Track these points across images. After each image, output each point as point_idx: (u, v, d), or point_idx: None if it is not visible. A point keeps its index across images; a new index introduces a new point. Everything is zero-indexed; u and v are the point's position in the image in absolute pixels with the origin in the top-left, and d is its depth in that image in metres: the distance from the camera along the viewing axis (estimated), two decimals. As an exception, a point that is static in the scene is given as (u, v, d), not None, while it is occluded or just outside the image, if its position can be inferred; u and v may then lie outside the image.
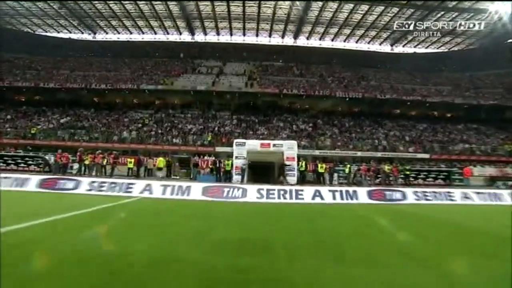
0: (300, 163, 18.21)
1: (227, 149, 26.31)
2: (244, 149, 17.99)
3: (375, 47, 51.02)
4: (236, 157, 17.98)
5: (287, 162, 17.72)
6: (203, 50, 46.66)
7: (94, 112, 34.73)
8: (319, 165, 18.50)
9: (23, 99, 37.43)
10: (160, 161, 19.87)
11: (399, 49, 51.93)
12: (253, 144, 18.18)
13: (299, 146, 27.68)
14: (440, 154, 28.26)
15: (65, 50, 44.34)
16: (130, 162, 19.37)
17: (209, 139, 27.86)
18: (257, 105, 38.62)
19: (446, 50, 50.45)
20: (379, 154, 27.27)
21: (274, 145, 18.03)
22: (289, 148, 17.88)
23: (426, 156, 27.76)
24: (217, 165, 18.90)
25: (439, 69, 46.48)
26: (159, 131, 30.45)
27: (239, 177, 17.49)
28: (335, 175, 21.29)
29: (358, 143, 29.92)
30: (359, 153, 27.12)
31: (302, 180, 17.70)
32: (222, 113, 36.46)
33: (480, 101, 37.99)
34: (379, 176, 19.09)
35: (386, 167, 18.86)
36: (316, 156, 26.78)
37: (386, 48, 51.22)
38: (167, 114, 35.09)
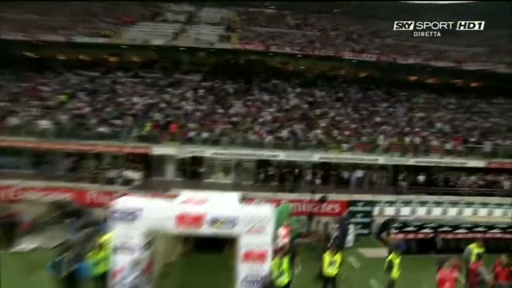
0: (276, 261, 6.04)
1: (171, 150, 13.97)
2: (136, 227, 5.72)
3: (388, -7, 35.44)
4: (118, 250, 5.80)
5: (244, 267, 5.70)
6: (177, -9, 31.16)
7: (12, 74, 21.37)
8: (327, 259, 6.43)
9: None
10: None
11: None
12: (161, 213, 5.79)
13: (285, 140, 15.38)
14: (501, 162, 15.77)
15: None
16: None
17: (147, 129, 15.19)
18: (239, 66, 25.19)
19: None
20: (410, 161, 14.99)
21: (213, 221, 5.61)
22: (254, 232, 5.62)
23: (481, 164, 15.42)
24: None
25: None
26: (87, 109, 17.63)
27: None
28: (351, 228, 9.41)
29: (374, 136, 17.37)
30: (380, 159, 14.80)
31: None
32: (190, 77, 23.18)
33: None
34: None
35: (474, 254, 6.84)
36: (316, 164, 14.73)
37: (400, -5, 35.66)
38: (114, 79, 21.81)
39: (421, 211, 10.26)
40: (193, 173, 15.04)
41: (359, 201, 9.90)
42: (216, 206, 5.92)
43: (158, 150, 13.72)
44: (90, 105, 18.07)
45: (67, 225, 8.53)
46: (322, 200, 9.31)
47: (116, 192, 10.14)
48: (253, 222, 5.70)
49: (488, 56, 26.00)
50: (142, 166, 14.09)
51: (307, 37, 25.94)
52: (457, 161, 15.13)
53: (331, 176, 15.21)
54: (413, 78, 26.96)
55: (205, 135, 15.67)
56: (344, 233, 9.02)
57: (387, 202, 10.09)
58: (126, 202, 5.88)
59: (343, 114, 19.98)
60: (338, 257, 6.47)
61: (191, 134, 15.68)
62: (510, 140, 18.87)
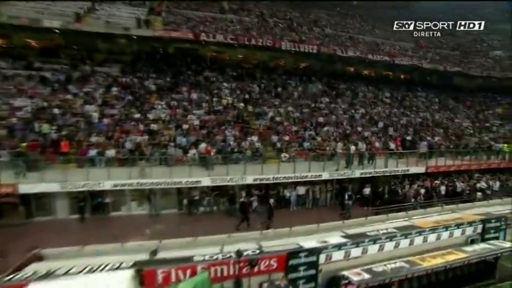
0: None
1: (51, 186, 9.57)
2: None
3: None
4: None
5: None
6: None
7: None
8: None
9: None
10: None
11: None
12: None
13: (216, 153, 12.05)
14: (436, 165, 14.72)
15: None
16: None
17: (21, 150, 10.36)
18: (168, 56, 20.62)
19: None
20: (357, 174, 12.98)
21: None
22: None
23: (421, 169, 14.22)
24: None
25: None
26: None
27: None
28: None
29: (316, 140, 15.08)
30: (325, 174, 12.44)
31: None
32: (107, 68, 17.98)
33: (446, 67, 24.78)
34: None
35: None
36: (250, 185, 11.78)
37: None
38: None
39: (373, 249, 8.09)
40: (96, 206, 10.89)
41: (300, 252, 7.27)
42: None
43: (28, 188, 9.14)
44: None
45: None
46: (252, 264, 6.42)
47: None
48: None
49: (413, 51, 25.66)
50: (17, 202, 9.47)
51: (244, 23, 22.23)
52: (400, 169, 13.68)
53: (269, 196, 12.52)
54: (352, 69, 25.58)
55: (111, 153, 11.46)
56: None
57: (334, 246, 7.63)
58: None
59: (283, 113, 17.24)
60: None
61: (92, 152, 11.32)
62: (439, 136, 18.52)
